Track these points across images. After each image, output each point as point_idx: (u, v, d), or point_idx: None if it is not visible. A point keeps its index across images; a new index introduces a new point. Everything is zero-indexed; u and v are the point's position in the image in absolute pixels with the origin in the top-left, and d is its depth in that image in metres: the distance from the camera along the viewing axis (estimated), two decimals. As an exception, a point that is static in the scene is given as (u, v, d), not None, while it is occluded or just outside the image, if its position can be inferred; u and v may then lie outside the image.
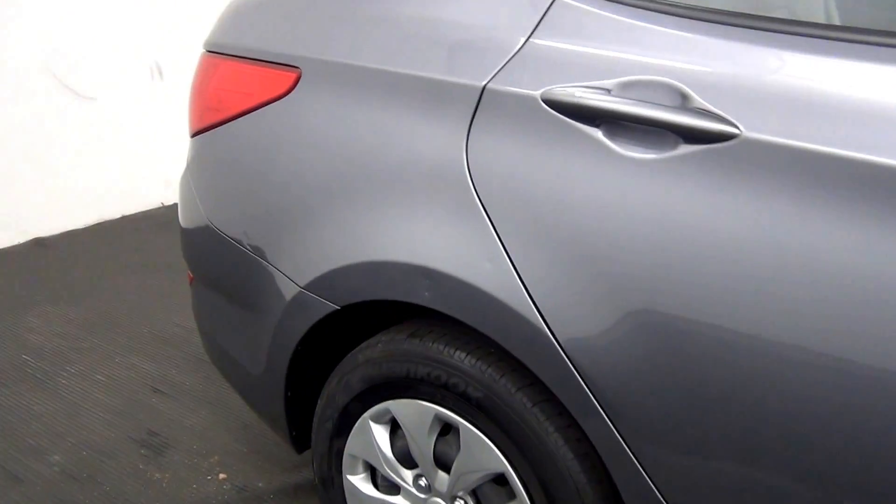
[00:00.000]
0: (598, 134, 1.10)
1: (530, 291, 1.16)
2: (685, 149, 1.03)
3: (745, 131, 1.00)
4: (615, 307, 1.09)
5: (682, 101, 1.04)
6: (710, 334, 1.03)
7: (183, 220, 1.76)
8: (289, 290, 1.45)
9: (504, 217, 1.18)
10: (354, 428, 1.46)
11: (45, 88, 3.52)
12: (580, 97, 1.10)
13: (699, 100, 1.03)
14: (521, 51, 1.18)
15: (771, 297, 0.99)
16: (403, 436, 1.42)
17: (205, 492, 1.98)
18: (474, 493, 1.36)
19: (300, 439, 1.65)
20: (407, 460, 1.42)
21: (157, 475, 2.05)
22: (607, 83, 1.10)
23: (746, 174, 0.99)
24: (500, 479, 1.32)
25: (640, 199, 1.07)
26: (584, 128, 1.11)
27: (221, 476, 2.04)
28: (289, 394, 1.56)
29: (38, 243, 3.54)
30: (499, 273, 1.18)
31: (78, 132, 3.65)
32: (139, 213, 3.84)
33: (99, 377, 2.50)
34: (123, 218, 3.81)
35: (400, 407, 1.39)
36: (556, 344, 1.15)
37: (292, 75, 1.42)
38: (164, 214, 3.71)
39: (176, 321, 2.77)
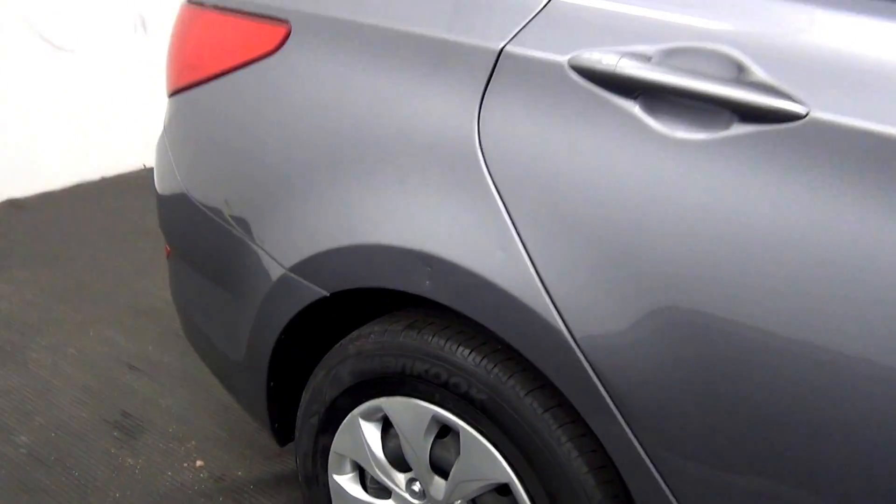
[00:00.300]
0: (634, 108, 0.96)
1: (547, 285, 1.03)
2: (740, 129, 0.90)
3: (815, 111, 0.86)
4: (645, 305, 0.97)
5: (739, 73, 0.90)
6: (757, 339, 0.91)
7: (159, 187, 1.62)
8: (273, 272, 1.32)
9: (519, 200, 1.05)
10: (342, 425, 1.34)
11: (20, 40, 3.34)
12: (615, 65, 0.96)
13: (759, 72, 0.89)
14: (546, 8, 1.04)
15: (837, 303, 0.85)
16: (396, 435, 1.29)
17: (180, 480, 1.86)
18: (473, 502, 1.24)
19: (283, 431, 1.53)
20: (399, 463, 1.30)
21: (129, 461, 1.92)
22: (648, 49, 0.95)
23: (813, 161, 0.85)
24: (504, 489, 1.20)
25: (682, 186, 0.93)
26: (618, 100, 0.97)
27: (198, 463, 1.91)
28: (271, 384, 1.43)
29: (12, 204, 3.38)
30: (512, 264, 1.05)
31: (56, 87, 3.51)
32: (120, 174, 3.72)
33: (71, 351, 2.36)
34: (103, 180, 3.67)
35: (393, 405, 1.26)
36: (573, 345, 1.02)
37: (281, 30, 1.27)
38: (147, 177, 3.55)
39: (155, 292, 2.64)
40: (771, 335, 0.89)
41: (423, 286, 1.14)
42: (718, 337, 0.93)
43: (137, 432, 2.02)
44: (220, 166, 1.42)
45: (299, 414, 1.42)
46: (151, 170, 1.66)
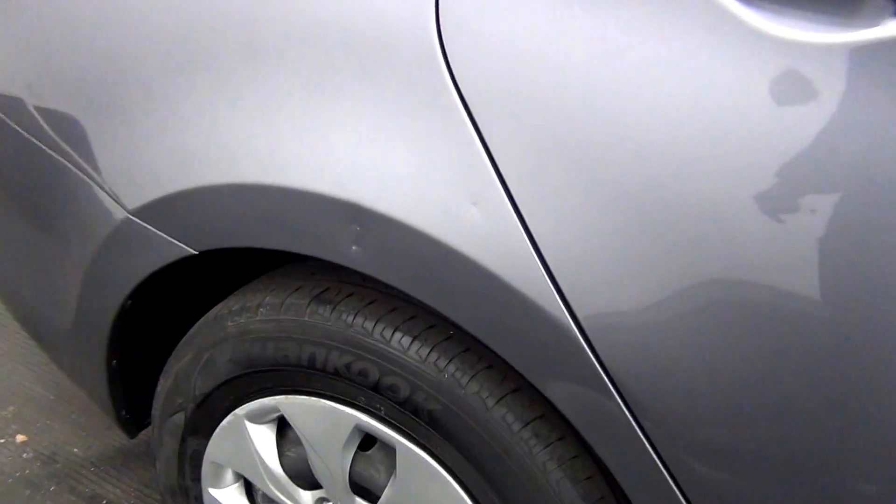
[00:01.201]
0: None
1: (545, 257, 0.69)
2: (897, 31, 0.57)
3: None
4: (690, 284, 0.66)
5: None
6: (883, 329, 0.61)
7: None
8: (110, 214, 0.93)
9: (503, 125, 0.70)
10: (221, 427, 0.97)
11: None
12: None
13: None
14: None
15: None
16: (298, 442, 0.93)
17: (-6, 463, 1.43)
18: (411, 532, 0.92)
19: (134, 418, 1.14)
20: (304, 477, 0.95)
21: (-80, 439, 1.47)
22: None
23: None
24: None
25: (790, 116, 0.62)
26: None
27: (20, 438, 1.50)
28: (114, 363, 1.03)
29: None
30: (490, 223, 0.71)
31: None
32: None
33: None
34: None
35: (297, 407, 0.90)
36: (579, 337, 0.70)
37: None
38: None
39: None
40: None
41: (348, 253, 0.77)
42: (800, 326, 0.63)
43: (-68, 398, 1.56)
44: (25, 43, 0.98)
45: (157, 406, 1.03)
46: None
